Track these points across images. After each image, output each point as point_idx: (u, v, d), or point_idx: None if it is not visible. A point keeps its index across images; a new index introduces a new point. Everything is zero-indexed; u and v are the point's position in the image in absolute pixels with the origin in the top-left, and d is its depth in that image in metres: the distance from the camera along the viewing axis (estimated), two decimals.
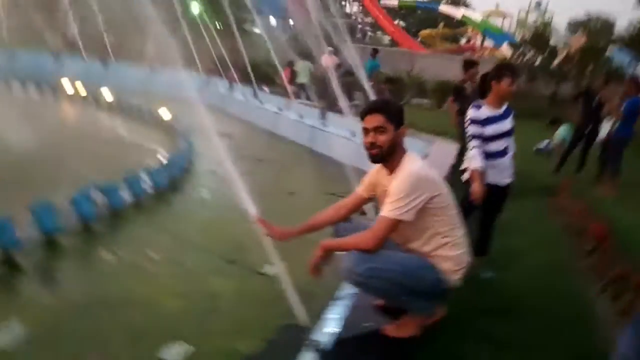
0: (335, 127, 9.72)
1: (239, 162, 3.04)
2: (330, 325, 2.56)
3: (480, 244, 3.80)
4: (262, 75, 16.70)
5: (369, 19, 37.80)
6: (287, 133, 10.84)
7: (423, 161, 2.51)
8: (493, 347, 2.59)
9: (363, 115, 2.43)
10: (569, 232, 5.17)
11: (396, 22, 37.05)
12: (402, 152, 2.44)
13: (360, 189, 2.70)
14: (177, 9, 12.44)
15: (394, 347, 2.44)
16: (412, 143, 4.53)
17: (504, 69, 3.58)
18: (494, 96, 3.61)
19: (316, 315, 2.66)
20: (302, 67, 15.66)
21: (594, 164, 8.20)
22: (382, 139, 2.36)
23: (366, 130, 2.42)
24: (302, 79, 15.63)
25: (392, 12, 35.78)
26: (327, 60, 10.48)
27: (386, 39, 36.68)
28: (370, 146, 2.40)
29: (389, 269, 2.31)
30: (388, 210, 2.28)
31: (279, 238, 2.68)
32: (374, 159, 2.44)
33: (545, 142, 10.70)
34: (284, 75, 14.94)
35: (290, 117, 11.34)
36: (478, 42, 32.12)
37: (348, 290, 2.89)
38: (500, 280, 3.65)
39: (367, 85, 7.40)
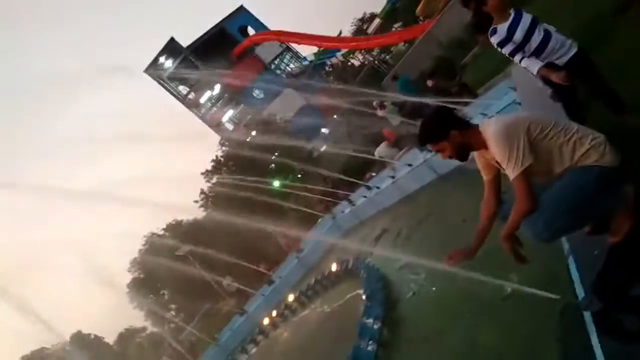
0: None
1: None
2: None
3: (612, 103, 3.76)
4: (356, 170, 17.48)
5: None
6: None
7: (494, 116, 2.78)
8: None
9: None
10: None
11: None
12: (475, 132, 2.72)
13: (485, 177, 2.93)
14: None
15: (627, 247, 2.51)
16: None
17: None
18: (494, 13, 3.84)
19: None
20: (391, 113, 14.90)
21: None
22: (447, 153, 2.74)
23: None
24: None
25: (384, 29, 35.97)
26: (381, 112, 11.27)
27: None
28: (450, 159, 2.77)
29: (558, 207, 2.48)
30: (511, 171, 2.52)
31: (468, 258, 2.92)
32: (463, 160, 2.77)
33: None
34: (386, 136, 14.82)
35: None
36: None
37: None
38: None
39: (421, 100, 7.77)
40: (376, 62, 34.35)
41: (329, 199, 18.16)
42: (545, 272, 3.70)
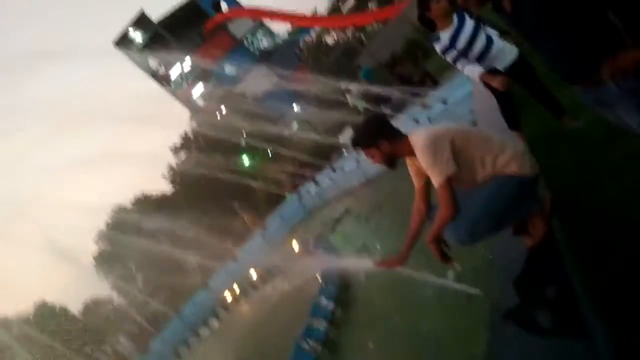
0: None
1: None
2: None
3: (551, 107, 3.98)
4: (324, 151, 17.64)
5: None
6: None
7: (423, 127, 2.94)
8: None
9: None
10: None
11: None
12: (405, 141, 2.84)
13: (416, 183, 3.08)
14: None
15: (542, 250, 2.74)
16: None
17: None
18: (437, 20, 3.95)
19: None
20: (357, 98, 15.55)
21: None
22: (377, 159, 2.89)
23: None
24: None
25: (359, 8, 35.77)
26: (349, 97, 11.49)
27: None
28: (380, 164, 2.94)
29: (479, 212, 2.67)
30: (435, 179, 2.69)
31: (400, 264, 3.13)
32: (390, 167, 2.94)
33: None
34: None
35: None
36: None
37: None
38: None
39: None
40: (350, 41, 34.21)
41: (296, 178, 18.31)
42: (478, 268, 3.99)
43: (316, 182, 15.45)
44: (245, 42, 42.26)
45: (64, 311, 46.55)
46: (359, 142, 2.94)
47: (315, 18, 36.99)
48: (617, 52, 2.11)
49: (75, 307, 46.46)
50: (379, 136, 2.87)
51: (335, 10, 39.19)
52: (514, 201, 2.71)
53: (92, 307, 46.36)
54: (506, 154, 2.71)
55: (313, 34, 37.99)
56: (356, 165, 12.07)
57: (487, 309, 3.55)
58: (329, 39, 39.08)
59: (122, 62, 43.83)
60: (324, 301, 7.04)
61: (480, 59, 3.87)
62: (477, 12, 3.70)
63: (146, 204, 37.48)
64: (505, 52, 3.91)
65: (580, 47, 2.19)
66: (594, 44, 2.18)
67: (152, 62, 44.04)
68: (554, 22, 2.16)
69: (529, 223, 2.85)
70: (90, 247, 40.38)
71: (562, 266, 2.57)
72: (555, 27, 2.17)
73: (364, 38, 34.18)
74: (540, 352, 2.27)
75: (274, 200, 20.44)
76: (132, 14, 40.66)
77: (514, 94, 4.00)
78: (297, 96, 29.65)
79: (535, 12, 2.17)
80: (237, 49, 40.65)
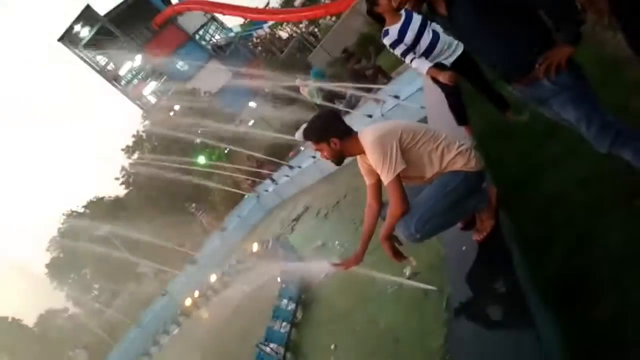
0: None
1: None
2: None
3: (496, 101, 4.08)
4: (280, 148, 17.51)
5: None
6: None
7: (373, 124, 2.94)
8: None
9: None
10: None
11: None
12: (354, 138, 2.85)
13: (367, 181, 3.08)
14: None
15: (490, 244, 2.79)
16: None
17: None
18: (385, 15, 3.96)
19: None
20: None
21: None
22: (326, 154, 2.87)
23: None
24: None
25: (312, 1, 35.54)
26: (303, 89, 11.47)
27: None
28: (327, 159, 2.91)
29: (428, 208, 2.69)
30: (385, 177, 2.70)
31: (357, 263, 3.13)
32: (337, 164, 2.93)
33: None
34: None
35: None
36: None
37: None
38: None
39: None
40: (304, 35, 34.12)
41: (254, 177, 18.13)
42: (434, 265, 4.05)
43: (274, 181, 15.35)
44: (196, 36, 41.31)
45: (17, 324, 44.66)
46: (309, 136, 2.91)
47: (268, 11, 36.55)
48: (549, 49, 2.17)
49: (30, 320, 44.75)
50: (330, 132, 2.86)
51: (288, 3, 38.94)
52: (461, 197, 2.75)
53: (47, 318, 44.71)
54: (452, 151, 2.74)
55: (266, 28, 37.59)
56: (313, 162, 12.05)
57: (443, 304, 3.62)
58: (283, 33, 38.86)
59: (68, 59, 42.13)
60: (284, 303, 7.00)
61: (427, 54, 3.92)
62: (415, 11, 3.72)
63: (99, 208, 36.30)
64: (451, 47, 3.97)
65: (513, 46, 2.23)
66: (527, 42, 2.22)
67: (100, 59, 42.43)
68: (486, 23, 2.19)
69: (477, 218, 2.89)
70: (42, 256, 38.84)
71: (509, 259, 2.61)
72: (488, 28, 2.21)
73: (318, 32, 34.18)
74: (493, 345, 2.30)
75: (232, 200, 20.18)
76: (77, 9, 38.99)
77: (462, 90, 4.05)
78: (252, 92, 29.33)
79: (468, 14, 2.19)
80: (188, 44, 39.61)
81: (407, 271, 4.46)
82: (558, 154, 3.35)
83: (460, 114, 4.12)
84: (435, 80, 3.97)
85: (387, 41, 3.99)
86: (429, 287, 3.38)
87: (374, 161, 2.72)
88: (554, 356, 2.02)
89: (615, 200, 2.63)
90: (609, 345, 2.09)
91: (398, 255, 2.84)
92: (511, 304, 2.38)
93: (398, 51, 3.98)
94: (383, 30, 4.03)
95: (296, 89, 13.77)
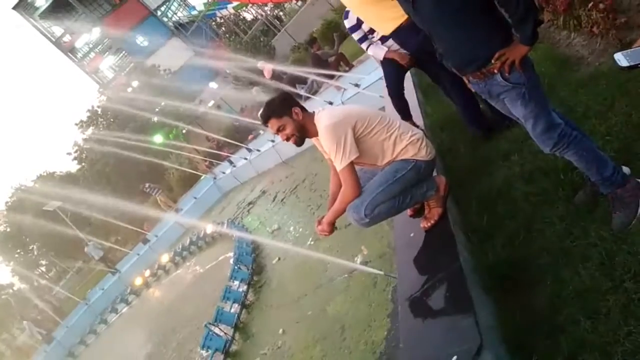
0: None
1: None
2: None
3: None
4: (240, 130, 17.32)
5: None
6: None
7: (330, 108, 2.92)
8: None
9: (264, 125, 2.89)
10: None
11: None
12: (311, 119, 2.84)
13: (328, 160, 3.05)
14: None
15: (436, 231, 2.85)
16: None
17: None
18: None
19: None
20: None
21: None
22: (288, 131, 2.81)
23: (276, 133, 2.87)
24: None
25: None
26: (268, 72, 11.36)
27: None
28: (288, 140, 2.85)
29: (378, 193, 2.73)
30: (339, 163, 2.71)
31: (328, 229, 2.93)
32: (299, 145, 2.88)
33: None
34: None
35: None
36: None
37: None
38: None
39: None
40: (269, 18, 33.62)
41: (211, 159, 17.85)
42: (384, 253, 4.11)
43: (231, 163, 15.16)
44: (158, 12, 39.98)
45: None
46: (273, 111, 2.83)
47: None
48: (507, 45, 2.22)
49: None
50: (291, 103, 2.85)
51: None
52: (410, 184, 2.80)
53: None
54: (404, 140, 2.78)
55: (231, 9, 36.77)
56: (272, 146, 11.97)
57: (389, 296, 3.68)
58: (248, 15, 38.13)
59: (22, 29, 40.01)
60: (235, 284, 6.96)
61: (383, 40, 3.93)
62: None
63: (50, 182, 34.88)
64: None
65: (471, 40, 2.26)
66: (486, 36, 2.26)
67: (56, 30, 40.47)
68: (447, 14, 2.22)
69: (426, 206, 2.95)
70: None
71: (453, 246, 2.68)
72: (449, 18, 2.24)
73: (283, 16, 33.77)
74: (433, 329, 2.36)
75: (188, 181, 19.81)
76: None
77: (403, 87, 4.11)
78: (213, 73, 28.75)
79: (431, 4, 2.22)
80: (149, 19, 38.29)
81: (358, 259, 4.52)
82: (508, 149, 3.45)
83: (401, 106, 4.17)
84: (390, 60, 3.97)
85: (347, 24, 4.00)
86: (378, 271, 3.42)
87: (328, 147, 2.73)
88: (490, 340, 2.09)
89: (557, 195, 2.73)
90: (543, 331, 2.18)
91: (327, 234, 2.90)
92: (452, 290, 2.45)
93: (356, 36, 4.00)
94: (345, 11, 4.02)
95: (258, 72, 13.64)
